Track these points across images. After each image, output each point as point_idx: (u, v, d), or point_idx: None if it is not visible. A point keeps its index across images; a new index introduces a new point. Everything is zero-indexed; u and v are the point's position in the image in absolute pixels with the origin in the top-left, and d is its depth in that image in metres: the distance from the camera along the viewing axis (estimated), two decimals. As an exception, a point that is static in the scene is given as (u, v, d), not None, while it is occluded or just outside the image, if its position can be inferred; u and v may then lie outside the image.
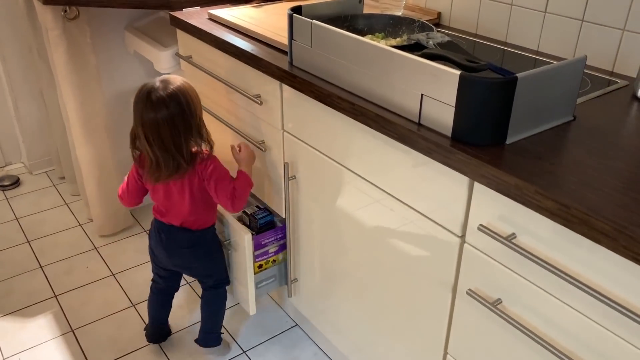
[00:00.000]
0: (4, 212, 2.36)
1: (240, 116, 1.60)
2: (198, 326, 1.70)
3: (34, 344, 1.72)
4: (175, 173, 1.39)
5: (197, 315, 1.83)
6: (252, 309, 1.61)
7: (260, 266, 1.59)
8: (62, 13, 1.83)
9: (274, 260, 1.63)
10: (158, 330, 1.71)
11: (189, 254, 1.54)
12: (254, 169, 1.54)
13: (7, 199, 2.45)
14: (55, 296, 1.91)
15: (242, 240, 1.51)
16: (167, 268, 1.59)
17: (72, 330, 1.77)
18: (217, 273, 1.61)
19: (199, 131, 1.39)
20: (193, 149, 1.40)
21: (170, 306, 1.71)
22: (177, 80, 1.38)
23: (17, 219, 2.32)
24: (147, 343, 1.72)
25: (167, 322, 1.74)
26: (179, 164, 1.37)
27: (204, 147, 1.43)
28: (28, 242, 2.18)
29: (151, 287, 1.66)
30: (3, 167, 2.68)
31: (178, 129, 1.34)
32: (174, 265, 1.57)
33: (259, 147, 1.52)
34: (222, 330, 1.70)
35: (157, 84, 1.35)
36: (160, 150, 1.35)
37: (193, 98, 1.37)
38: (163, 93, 1.32)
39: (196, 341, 1.68)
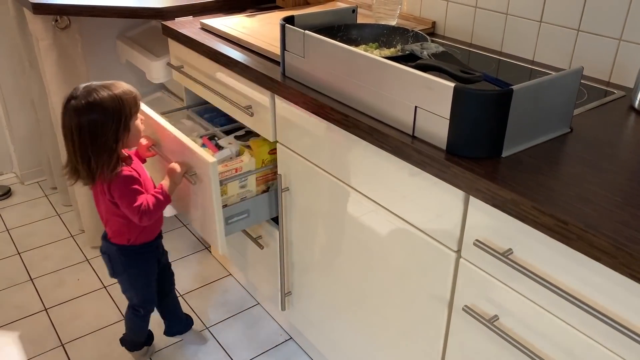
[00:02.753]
0: (-5, 223, 2.33)
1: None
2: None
3: (23, 359, 1.69)
4: (81, 180, 1.33)
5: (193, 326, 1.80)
6: (221, 248, 1.41)
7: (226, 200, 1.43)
8: (53, 23, 1.81)
9: (243, 187, 1.45)
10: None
11: (105, 260, 1.51)
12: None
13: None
14: (46, 309, 1.88)
15: (206, 168, 1.31)
16: None
17: (62, 345, 1.74)
18: (129, 296, 1.57)
19: (109, 153, 1.28)
20: (98, 170, 1.30)
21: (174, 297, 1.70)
22: (105, 90, 1.27)
23: (7, 230, 2.29)
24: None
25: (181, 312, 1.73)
26: (83, 175, 1.31)
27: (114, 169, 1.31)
28: (19, 253, 2.15)
29: None
30: (-6, 177, 2.65)
31: (85, 142, 1.26)
32: None
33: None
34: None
35: (80, 90, 1.27)
36: (70, 156, 1.31)
37: (110, 117, 1.26)
38: (80, 102, 1.25)
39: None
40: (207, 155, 1.30)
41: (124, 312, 1.69)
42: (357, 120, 1.09)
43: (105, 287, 1.98)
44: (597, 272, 0.77)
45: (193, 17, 1.75)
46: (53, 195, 2.52)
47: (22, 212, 2.41)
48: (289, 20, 1.26)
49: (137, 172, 1.37)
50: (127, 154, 1.39)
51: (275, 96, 1.34)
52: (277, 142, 1.42)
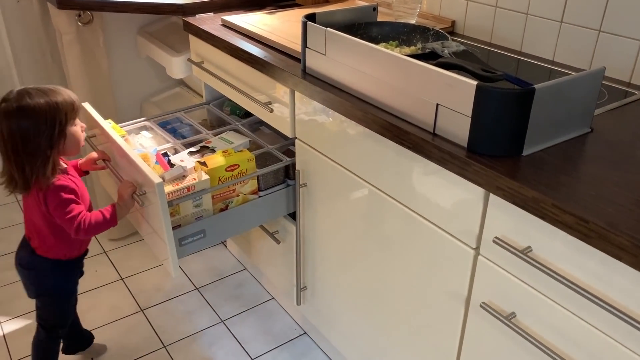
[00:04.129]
0: (15, 216, 2.36)
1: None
2: (204, 333, 1.69)
3: (42, 347, 1.72)
4: (11, 189, 1.28)
5: (203, 322, 1.83)
6: (172, 269, 1.33)
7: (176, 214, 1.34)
8: (76, 17, 1.84)
9: (197, 206, 1.37)
10: (71, 339, 1.64)
11: (26, 277, 1.42)
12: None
13: (18, 201, 2.46)
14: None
15: (151, 187, 1.24)
16: None
17: (80, 335, 1.77)
18: (42, 314, 1.48)
19: (42, 160, 1.24)
20: (33, 178, 1.25)
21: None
22: (41, 95, 1.24)
23: (27, 221, 2.33)
24: (156, 348, 1.72)
25: (81, 329, 1.67)
26: (19, 182, 1.26)
27: (48, 178, 1.26)
28: (37, 244, 2.18)
29: None
30: (14, 169, 2.69)
31: (17, 148, 1.22)
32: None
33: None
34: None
35: (13, 93, 1.24)
36: (5, 162, 1.26)
37: (43, 123, 1.22)
38: (11, 106, 1.21)
39: None
40: (153, 175, 1.23)
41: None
42: (377, 117, 1.10)
43: (122, 278, 2.01)
44: (617, 270, 0.78)
45: (214, 13, 1.77)
46: (71, 188, 2.56)
47: (41, 204, 2.45)
48: (311, 17, 1.28)
49: (75, 183, 1.32)
50: (64, 164, 1.35)
51: (295, 92, 1.36)
52: (295, 137, 1.43)
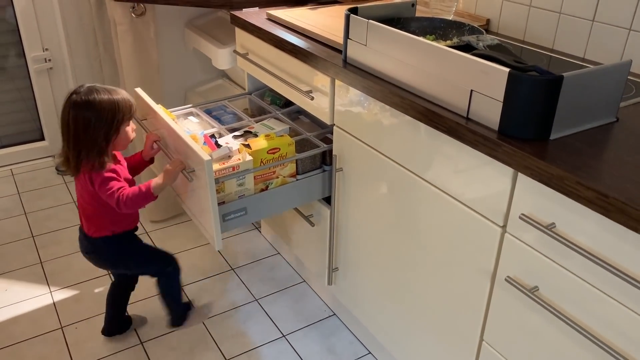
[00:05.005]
0: (63, 195, 2.51)
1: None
2: (239, 310, 1.78)
3: (89, 315, 1.85)
4: (64, 169, 1.46)
5: (238, 299, 1.92)
6: (217, 244, 1.42)
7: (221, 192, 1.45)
8: (130, 9, 1.97)
9: (241, 185, 1.47)
10: (112, 323, 1.77)
11: (92, 260, 1.60)
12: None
13: (65, 182, 2.61)
14: (109, 273, 2.03)
15: (201, 165, 1.33)
16: None
17: (124, 306, 1.89)
18: (149, 271, 1.68)
19: (98, 150, 1.39)
20: (84, 162, 1.40)
21: (124, 300, 1.76)
22: (106, 93, 1.40)
23: (74, 201, 2.47)
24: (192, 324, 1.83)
25: (123, 315, 1.78)
26: (72, 164, 1.42)
27: (104, 165, 1.42)
28: (84, 223, 2.32)
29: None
30: (62, 153, 2.84)
31: (78, 135, 1.38)
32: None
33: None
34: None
35: (84, 88, 1.39)
36: (64, 147, 1.43)
37: (104, 117, 1.38)
38: (80, 98, 1.37)
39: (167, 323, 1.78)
40: (202, 153, 1.33)
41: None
42: (414, 103, 1.18)
43: (162, 257, 2.13)
44: (635, 243, 0.84)
45: (259, 8, 1.88)
46: (115, 173, 2.70)
47: (87, 186, 2.60)
48: (353, 11, 1.37)
49: (116, 168, 1.46)
50: (115, 155, 1.49)
51: (336, 81, 1.45)
52: (333, 124, 1.52)
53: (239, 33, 1.85)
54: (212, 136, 1.59)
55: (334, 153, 1.55)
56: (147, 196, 1.44)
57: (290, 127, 1.68)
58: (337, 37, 1.49)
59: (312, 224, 1.72)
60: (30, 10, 2.49)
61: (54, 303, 1.90)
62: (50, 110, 2.72)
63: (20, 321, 1.82)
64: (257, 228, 2.32)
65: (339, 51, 1.44)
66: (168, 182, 1.45)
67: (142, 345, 1.74)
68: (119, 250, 1.58)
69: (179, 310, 1.79)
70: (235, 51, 1.88)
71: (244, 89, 1.98)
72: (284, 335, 1.79)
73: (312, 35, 1.58)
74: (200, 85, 2.34)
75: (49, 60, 2.61)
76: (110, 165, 1.44)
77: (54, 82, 2.67)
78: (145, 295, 1.93)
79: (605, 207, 0.85)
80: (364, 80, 1.31)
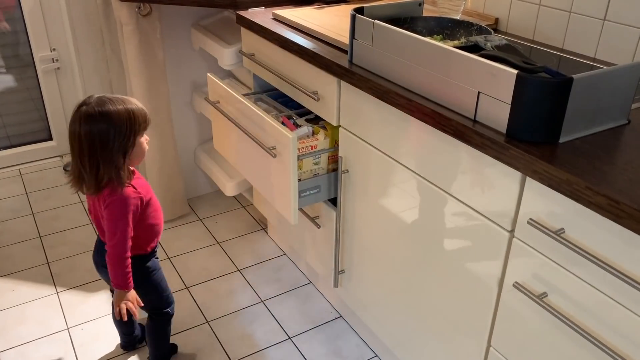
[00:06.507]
0: (70, 195, 2.51)
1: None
2: (245, 311, 1.77)
3: (95, 316, 1.85)
4: (87, 190, 1.34)
5: (244, 301, 1.92)
6: (293, 219, 1.51)
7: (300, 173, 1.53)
8: (137, 9, 1.96)
9: (316, 164, 1.55)
10: (127, 340, 1.72)
11: (105, 275, 1.47)
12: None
13: (73, 183, 2.61)
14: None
15: (287, 142, 1.41)
16: None
17: (130, 307, 1.89)
18: (155, 304, 1.55)
19: (116, 167, 1.30)
20: (105, 180, 1.31)
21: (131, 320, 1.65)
22: (119, 103, 1.31)
23: (81, 201, 2.47)
24: (200, 323, 1.82)
25: (133, 332, 1.71)
26: (89, 183, 1.32)
27: (123, 181, 1.33)
28: (91, 223, 2.32)
29: None
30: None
31: (95, 150, 1.28)
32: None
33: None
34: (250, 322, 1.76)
35: (93, 98, 1.31)
36: (76, 163, 1.32)
37: (121, 129, 1.29)
38: (93, 109, 1.28)
39: None
40: (287, 131, 1.43)
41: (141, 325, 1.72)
42: (420, 105, 1.16)
43: (169, 258, 2.13)
44: (646, 250, 0.82)
45: (265, 8, 1.86)
46: (122, 173, 2.70)
47: (94, 186, 2.60)
48: (359, 11, 1.35)
49: (139, 192, 1.37)
50: (131, 169, 1.39)
51: (342, 82, 1.43)
52: (339, 126, 1.51)
53: (245, 33, 1.84)
54: (290, 117, 1.68)
55: (340, 155, 1.54)
56: (124, 268, 1.36)
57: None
58: (344, 37, 1.47)
59: (318, 226, 1.71)
60: (37, 10, 2.50)
61: (60, 304, 1.90)
62: (58, 110, 2.73)
63: (27, 322, 1.82)
64: (263, 229, 2.31)
65: (345, 52, 1.43)
66: (121, 298, 1.39)
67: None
68: (142, 271, 1.47)
69: (165, 352, 1.68)
70: (241, 51, 1.87)
71: (250, 89, 1.97)
72: (290, 337, 1.78)
73: (318, 35, 1.56)
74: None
75: (57, 60, 2.62)
76: (129, 180, 1.35)
77: (61, 82, 2.67)
78: (151, 296, 1.93)
79: (616, 213, 0.82)
80: (369, 81, 1.29)
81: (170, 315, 1.60)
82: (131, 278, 1.39)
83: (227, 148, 1.83)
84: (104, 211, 1.34)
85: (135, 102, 1.35)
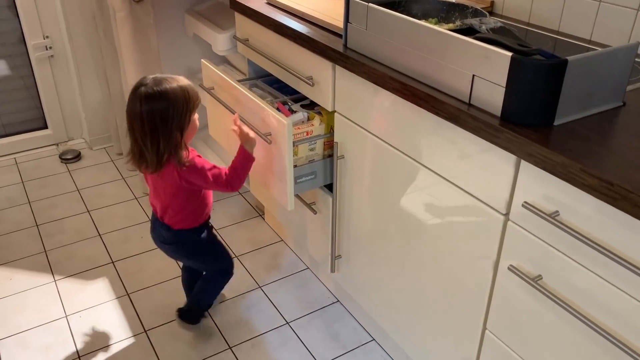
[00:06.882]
0: (67, 184, 2.51)
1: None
2: (242, 297, 1.78)
3: (93, 304, 1.85)
4: (147, 168, 1.40)
5: (242, 287, 1.92)
6: (290, 205, 1.52)
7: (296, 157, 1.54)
8: (129, -5, 1.94)
9: (312, 150, 1.56)
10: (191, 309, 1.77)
11: (169, 250, 1.62)
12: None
13: (69, 171, 2.61)
14: (112, 262, 2.04)
15: (282, 128, 1.41)
16: None
17: (128, 294, 1.89)
18: (208, 269, 1.69)
19: (176, 143, 1.37)
20: (165, 156, 1.37)
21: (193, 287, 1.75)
22: (174, 82, 1.36)
23: (78, 190, 2.47)
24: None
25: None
26: (151, 161, 1.37)
27: (183, 154, 1.39)
28: (88, 211, 2.32)
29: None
30: (66, 141, 2.84)
31: (156, 128, 1.34)
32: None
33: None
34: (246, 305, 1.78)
35: (149, 79, 1.36)
36: (137, 143, 1.37)
37: (179, 106, 1.35)
38: (151, 89, 1.33)
39: (178, 310, 1.75)
40: (282, 117, 1.42)
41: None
42: (414, 89, 1.15)
43: (166, 245, 2.13)
44: (640, 232, 0.82)
45: (259, -8, 1.84)
46: (119, 161, 2.70)
47: (91, 174, 2.60)
48: (353, -6, 1.33)
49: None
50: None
51: (336, 67, 1.42)
52: (334, 111, 1.50)
53: (239, 18, 1.82)
54: (285, 103, 1.67)
55: (335, 140, 1.53)
56: (249, 158, 1.46)
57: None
58: (338, 21, 1.46)
59: (314, 212, 1.71)
60: (29, -3, 2.47)
61: (58, 292, 1.90)
62: (53, 98, 2.71)
63: (25, 310, 1.83)
64: (260, 215, 2.31)
65: (340, 36, 1.42)
66: (253, 145, 1.47)
67: (146, 333, 1.75)
68: (200, 241, 1.58)
69: (204, 309, 1.78)
70: (235, 36, 1.85)
71: (245, 75, 1.96)
72: (287, 322, 1.79)
73: (313, 19, 1.55)
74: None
75: (50, 47, 2.60)
76: (187, 154, 1.41)
77: (55, 70, 2.65)
78: (150, 283, 1.93)
79: (611, 195, 0.82)
80: (364, 65, 1.28)
81: (228, 279, 1.71)
82: (251, 159, 1.47)
83: (222, 135, 1.82)
84: (195, 181, 1.43)
85: (186, 80, 1.40)
